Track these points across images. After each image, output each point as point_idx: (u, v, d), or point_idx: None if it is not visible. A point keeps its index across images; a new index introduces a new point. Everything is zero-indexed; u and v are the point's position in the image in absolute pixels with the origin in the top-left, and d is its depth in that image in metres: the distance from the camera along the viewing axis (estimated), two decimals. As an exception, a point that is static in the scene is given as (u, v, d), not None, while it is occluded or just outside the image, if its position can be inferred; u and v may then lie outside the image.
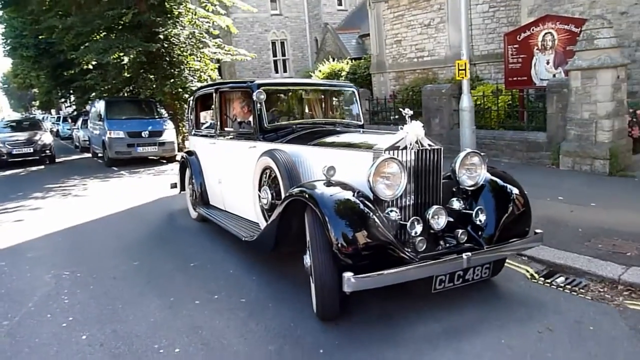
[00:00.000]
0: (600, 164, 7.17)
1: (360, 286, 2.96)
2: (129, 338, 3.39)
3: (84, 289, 4.39)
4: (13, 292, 4.46)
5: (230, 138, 5.49)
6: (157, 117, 13.95)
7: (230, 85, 6.01)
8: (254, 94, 4.67)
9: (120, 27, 13.56)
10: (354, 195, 3.21)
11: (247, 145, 5.00)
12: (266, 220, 4.46)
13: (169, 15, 13.59)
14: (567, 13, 10.37)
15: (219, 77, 15.85)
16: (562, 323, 3.28)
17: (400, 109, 3.67)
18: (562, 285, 3.94)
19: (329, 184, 3.33)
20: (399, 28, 14.58)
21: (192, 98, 6.69)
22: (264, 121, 4.84)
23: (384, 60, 15.21)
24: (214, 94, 5.73)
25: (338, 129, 5.02)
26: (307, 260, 3.40)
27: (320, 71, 18.61)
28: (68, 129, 25.35)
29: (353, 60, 19.92)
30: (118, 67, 14.30)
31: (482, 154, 3.81)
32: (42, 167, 14.63)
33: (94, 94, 16.88)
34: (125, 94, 15.76)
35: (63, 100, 25.46)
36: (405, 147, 3.47)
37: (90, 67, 15.95)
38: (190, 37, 13.97)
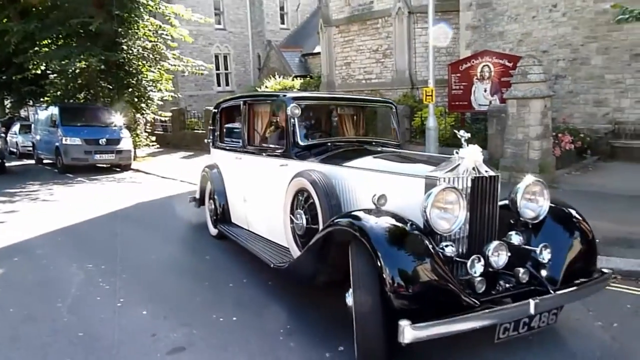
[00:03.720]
0: (531, 177, 8.59)
1: (419, 336, 2.58)
2: (188, 311, 4.03)
3: (117, 278, 4.90)
4: (47, 282, 4.88)
5: (258, 154, 5.12)
6: (113, 125, 14.07)
7: (261, 97, 5.74)
8: (288, 108, 4.36)
9: (82, 34, 13.63)
10: (409, 228, 2.93)
11: (278, 163, 4.64)
12: (298, 247, 4.18)
13: (130, 26, 13.87)
14: (499, 49, 12.06)
15: (173, 88, 16.15)
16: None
17: (455, 131, 3.42)
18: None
19: (379, 213, 3.03)
20: (349, 51, 15.82)
21: (216, 109, 6.32)
22: (298, 138, 4.46)
23: (334, 80, 16.36)
24: (241, 106, 5.41)
25: (376, 148, 4.69)
26: (350, 299, 3.03)
27: (267, 87, 19.40)
28: (-4, 135, 24.13)
29: (297, 78, 20.96)
30: (74, 74, 14.28)
31: (544, 182, 3.49)
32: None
33: (44, 98, 16.53)
34: (77, 101, 15.64)
35: (-5, 104, 24.34)
36: (461, 174, 3.18)
37: (39, 72, 15.72)
38: (152, 49, 14.31)
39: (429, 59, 8.43)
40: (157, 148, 17.16)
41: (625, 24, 8.79)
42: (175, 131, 20.59)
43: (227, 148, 5.88)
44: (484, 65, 10.68)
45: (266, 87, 19.42)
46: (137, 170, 13.81)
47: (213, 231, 6.13)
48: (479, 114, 11.08)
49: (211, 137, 6.47)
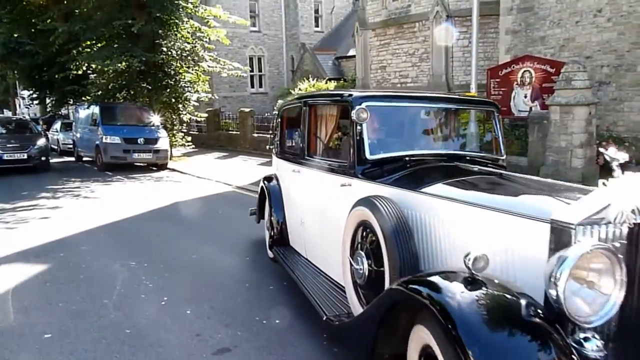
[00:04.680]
0: (574, 186, 8.36)
1: None
2: (230, 312, 4.07)
3: (160, 276, 4.99)
4: (93, 278, 5.00)
5: (318, 168, 4.15)
6: (151, 124, 14.37)
7: (323, 97, 4.56)
8: (354, 111, 3.30)
9: (123, 36, 14.01)
10: (524, 311, 1.89)
11: (339, 182, 3.66)
12: (359, 300, 3.16)
13: (169, 28, 14.17)
14: (540, 54, 11.76)
15: (209, 89, 16.39)
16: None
17: (602, 150, 2.37)
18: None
19: (474, 283, 2.00)
20: (385, 55, 15.75)
21: (277, 112, 5.61)
22: (365, 150, 3.44)
23: (369, 83, 16.30)
24: (302, 108, 4.49)
25: (472, 167, 3.51)
26: None
27: (300, 89, 19.48)
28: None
29: (331, 81, 21.00)
30: (115, 74, 14.67)
31: None
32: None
33: (85, 97, 17.05)
34: (117, 100, 16.04)
35: (37, 102, 25.13)
36: (612, 220, 2.02)
37: (80, 72, 16.21)
38: (191, 51, 14.58)
39: (471, 63, 8.32)
40: (192, 148, 17.43)
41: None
42: (210, 132, 20.91)
43: (287, 158, 5.06)
44: (524, 71, 10.46)
45: (299, 89, 19.50)
46: (173, 170, 14.06)
47: (269, 253, 5.31)
48: (517, 120, 10.85)
49: (274, 144, 5.69)
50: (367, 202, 3.06)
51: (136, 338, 3.63)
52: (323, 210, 4.11)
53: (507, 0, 12.84)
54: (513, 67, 10.72)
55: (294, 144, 5.10)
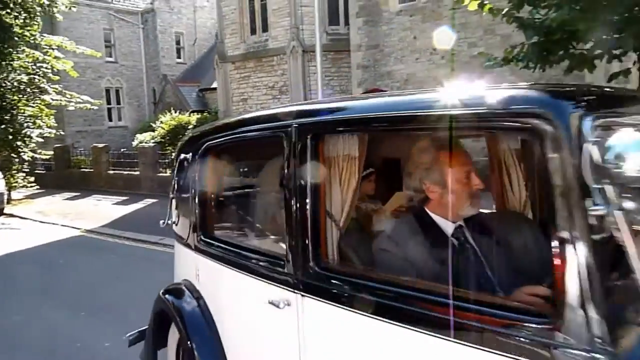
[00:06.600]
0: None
1: None
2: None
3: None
4: None
5: (366, 309, 1.57)
6: (-18, 165, 12.69)
7: (377, 113, 1.70)
8: (586, 146, 1.12)
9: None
10: None
11: None
12: None
13: (4, 57, 12.71)
14: (387, 87, 12.73)
15: (56, 124, 14.91)
16: None
17: None
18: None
19: None
20: (245, 87, 15.86)
21: (189, 153, 2.73)
22: (598, 281, 1.10)
23: (231, 115, 16.21)
24: (290, 142, 1.89)
25: None
26: None
27: (162, 122, 18.73)
28: None
29: (195, 113, 20.52)
30: None
31: None
32: None
33: None
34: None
35: None
36: None
37: None
38: (29, 83, 13.21)
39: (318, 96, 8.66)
40: (38, 189, 15.67)
41: (498, 69, 9.71)
42: (59, 170, 19.06)
43: (235, 264, 2.30)
44: (374, 103, 11.19)
45: (161, 122, 18.73)
46: (11, 215, 12.48)
47: None
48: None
49: (175, 218, 2.91)
50: None
51: None
52: None
53: (357, 38, 13.77)
54: (363, 99, 11.42)
55: (260, 230, 2.65)
